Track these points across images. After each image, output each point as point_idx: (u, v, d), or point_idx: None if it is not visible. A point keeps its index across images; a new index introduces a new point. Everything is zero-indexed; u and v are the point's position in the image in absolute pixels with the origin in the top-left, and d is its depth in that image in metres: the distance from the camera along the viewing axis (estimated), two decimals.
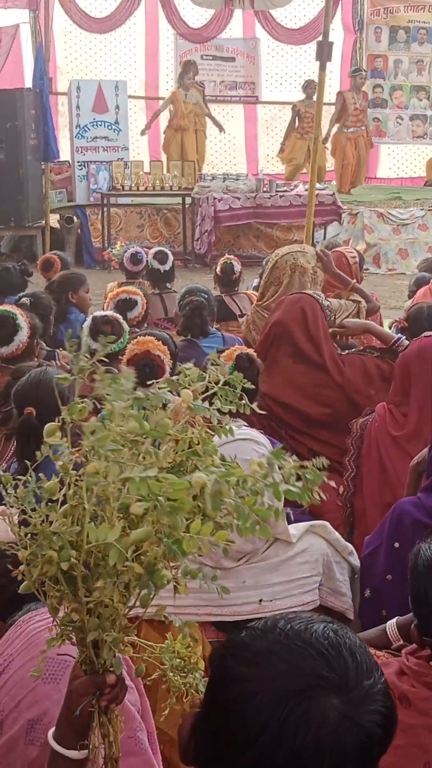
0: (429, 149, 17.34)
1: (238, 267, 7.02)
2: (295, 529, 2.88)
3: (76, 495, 1.40)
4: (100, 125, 13.52)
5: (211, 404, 1.50)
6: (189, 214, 13.06)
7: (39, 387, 3.47)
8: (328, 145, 15.14)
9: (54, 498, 1.42)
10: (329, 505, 4.30)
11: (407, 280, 8.12)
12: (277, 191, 12.79)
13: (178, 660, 1.64)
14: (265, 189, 12.76)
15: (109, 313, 5.11)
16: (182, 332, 5.73)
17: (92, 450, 1.39)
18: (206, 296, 6.01)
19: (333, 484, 1.42)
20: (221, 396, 1.49)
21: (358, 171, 15.25)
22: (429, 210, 13.66)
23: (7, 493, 1.47)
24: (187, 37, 16.34)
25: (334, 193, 13.12)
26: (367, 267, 10.73)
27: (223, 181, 12.97)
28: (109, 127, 13.58)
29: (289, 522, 2.97)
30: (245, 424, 3.29)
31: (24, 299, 5.51)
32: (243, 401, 1.49)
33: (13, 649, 1.90)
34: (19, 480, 1.48)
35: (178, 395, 1.50)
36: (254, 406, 1.54)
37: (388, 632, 2.56)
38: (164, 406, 1.46)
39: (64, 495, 1.42)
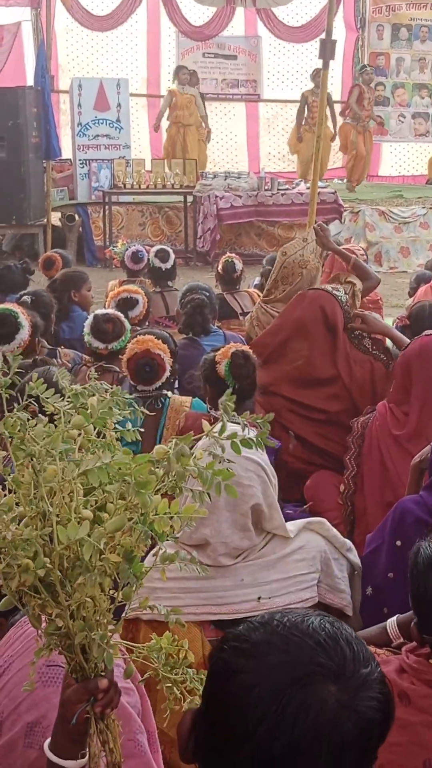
0: (431, 147, 17.33)
1: (239, 265, 7.02)
2: (293, 525, 2.88)
3: (35, 500, 1.40)
4: (102, 123, 13.52)
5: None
6: (190, 212, 13.05)
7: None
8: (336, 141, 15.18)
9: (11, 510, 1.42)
10: (330, 504, 4.31)
11: (409, 278, 8.12)
12: (278, 189, 12.79)
13: (165, 657, 1.64)
14: (266, 187, 12.76)
15: (111, 311, 5.12)
16: (184, 330, 5.73)
17: (44, 454, 1.40)
18: (208, 294, 6.01)
19: (273, 443, 1.44)
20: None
21: (364, 167, 15.25)
22: (430, 208, 13.65)
23: None
24: (189, 35, 16.33)
25: (335, 191, 13.11)
26: (368, 265, 10.71)
27: (225, 179, 12.96)
28: (111, 125, 13.58)
29: (288, 519, 2.98)
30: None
31: (25, 297, 5.51)
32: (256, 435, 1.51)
33: (13, 651, 1.90)
34: None
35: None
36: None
37: (389, 630, 2.57)
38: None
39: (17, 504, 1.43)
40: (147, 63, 16.72)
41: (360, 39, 17.20)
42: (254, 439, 1.48)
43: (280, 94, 17.37)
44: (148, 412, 1.73)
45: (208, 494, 1.44)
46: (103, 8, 15.78)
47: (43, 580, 1.38)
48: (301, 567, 2.76)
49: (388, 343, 4.80)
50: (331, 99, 14.97)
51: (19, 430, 1.42)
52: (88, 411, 1.46)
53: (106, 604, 1.42)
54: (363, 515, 4.11)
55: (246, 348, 4.18)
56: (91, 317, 5.01)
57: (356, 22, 17.10)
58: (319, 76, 14.28)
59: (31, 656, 1.81)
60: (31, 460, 1.41)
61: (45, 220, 11.97)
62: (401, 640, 2.51)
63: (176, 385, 4.90)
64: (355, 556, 3.02)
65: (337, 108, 15.44)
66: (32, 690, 1.55)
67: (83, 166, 13.35)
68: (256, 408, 4.25)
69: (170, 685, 1.61)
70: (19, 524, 1.40)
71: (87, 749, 1.46)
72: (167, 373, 4.25)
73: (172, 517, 1.40)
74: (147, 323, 6.00)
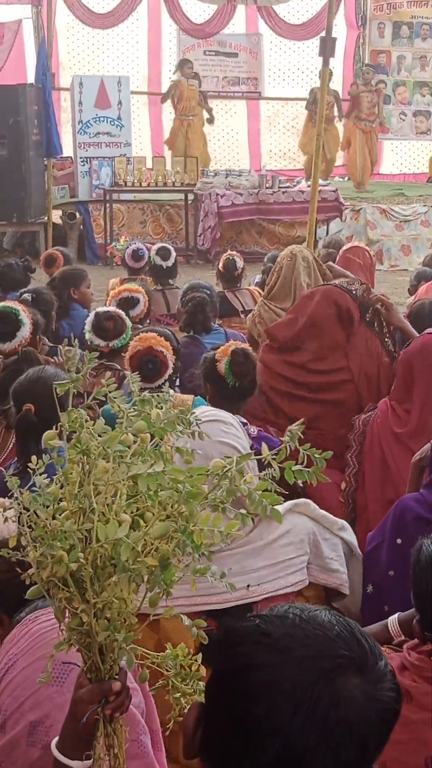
0: None
1: (240, 263, 7.02)
2: (279, 508, 2.85)
3: (79, 495, 1.42)
4: (103, 121, 13.52)
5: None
6: (191, 210, 13.05)
7: (38, 384, 3.48)
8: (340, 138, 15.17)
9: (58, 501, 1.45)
10: (331, 501, 4.30)
11: (410, 276, 8.12)
12: (279, 187, 12.79)
13: (179, 667, 1.66)
14: (267, 185, 12.76)
15: (112, 308, 5.12)
16: (185, 328, 5.74)
17: (100, 451, 1.43)
18: (209, 292, 6.01)
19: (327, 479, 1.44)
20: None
21: (370, 166, 15.22)
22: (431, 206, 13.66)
23: (13, 495, 1.49)
24: (190, 33, 16.33)
25: (336, 189, 13.10)
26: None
27: (226, 177, 12.97)
28: (112, 123, 13.58)
29: None
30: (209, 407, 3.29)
31: (26, 295, 5.52)
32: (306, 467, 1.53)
33: (17, 649, 1.90)
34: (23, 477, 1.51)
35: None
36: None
37: (390, 628, 2.57)
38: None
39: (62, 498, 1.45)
40: (148, 61, 16.71)
41: (361, 37, 17.19)
42: (309, 471, 1.50)
43: (281, 92, 17.37)
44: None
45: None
46: (104, 6, 15.77)
47: (73, 574, 1.40)
48: (288, 551, 2.74)
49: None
50: (338, 96, 15.01)
51: (79, 426, 1.45)
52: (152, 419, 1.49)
53: (132, 606, 1.43)
54: (364, 513, 4.11)
55: (246, 346, 4.19)
56: (92, 315, 5.01)
57: (357, 19, 17.10)
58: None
59: (37, 654, 1.82)
60: (83, 457, 1.43)
61: (46, 218, 11.98)
62: (402, 637, 2.51)
63: (177, 383, 4.91)
64: (350, 535, 2.99)
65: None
66: (47, 682, 1.56)
67: (84, 164, 13.35)
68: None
69: (178, 695, 1.62)
70: (60, 516, 1.42)
71: (92, 751, 1.46)
72: (170, 371, 4.26)
73: (212, 531, 1.43)
74: (148, 321, 6.01)
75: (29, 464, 1.51)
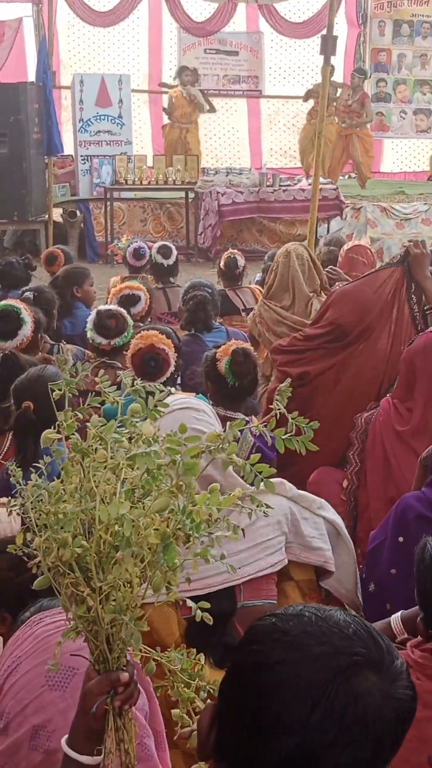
0: None
1: (241, 261, 7.03)
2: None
3: (81, 484, 1.45)
4: (104, 119, 13.51)
5: None
6: (192, 209, 13.05)
7: (38, 382, 3.49)
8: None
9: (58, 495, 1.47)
10: (333, 499, 4.31)
11: None
12: (280, 185, 12.78)
13: (181, 669, 1.67)
14: (268, 183, 12.75)
15: (113, 307, 5.13)
16: (186, 327, 5.74)
17: (97, 439, 1.48)
18: (210, 291, 6.02)
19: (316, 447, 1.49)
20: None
21: (358, 169, 15.12)
22: None
23: (18, 488, 1.51)
24: (191, 31, 16.32)
25: (337, 188, 13.10)
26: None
27: (227, 176, 12.96)
28: (113, 121, 13.57)
29: None
30: (182, 394, 3.29)
31: (27, 294, 5.52)
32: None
33: (21, 651, 1.90)
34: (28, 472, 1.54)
35: None
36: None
37: (393, 626, 2.57)
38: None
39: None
40: (149, 59, 16.71)
41: (362, 35, 17.18)
42: (298, 441, 1.54)
43: (281, 90, 17.36)
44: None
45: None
46: (104, 4, 15.76)
47: (78, 561, 1.42)
48: (267, 532, 2.75)
49: None
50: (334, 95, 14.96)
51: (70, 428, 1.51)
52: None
53: (137, 588, 1.44)
54: (365, 511, 4.11)
55: (247, 346, 4.19)
56: (93, 313, 5.02)
57: (358, 18, 17.08)
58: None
59: (40, 658, 1.82)
60: (81, 456, 1.47)
61: (46, 216, 11.96)
62: (405, 635, 2.51)
63: (179, 381, 4.91)
64: (332, 513, 2.98)
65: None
66: (56, 671, 1.57)
67: (85, 162, 13.35)
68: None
69: (183, 696, 1.63)
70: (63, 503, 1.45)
71: (103, 746, 1.47)
72: (171, 368, 4.26)
73: (210, 509, 1.46)
74: (149, 319, 6.01)
75: (35, 463, 1.52)
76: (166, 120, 15.02)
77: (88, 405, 1.59)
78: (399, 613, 2.59)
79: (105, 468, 1.45)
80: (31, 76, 12.89)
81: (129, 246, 7.40)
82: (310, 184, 9.88)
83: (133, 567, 1.41)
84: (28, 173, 11.79)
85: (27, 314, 4.68)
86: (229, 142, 17.25)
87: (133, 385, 1.60)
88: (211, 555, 1.51)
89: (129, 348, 4.41)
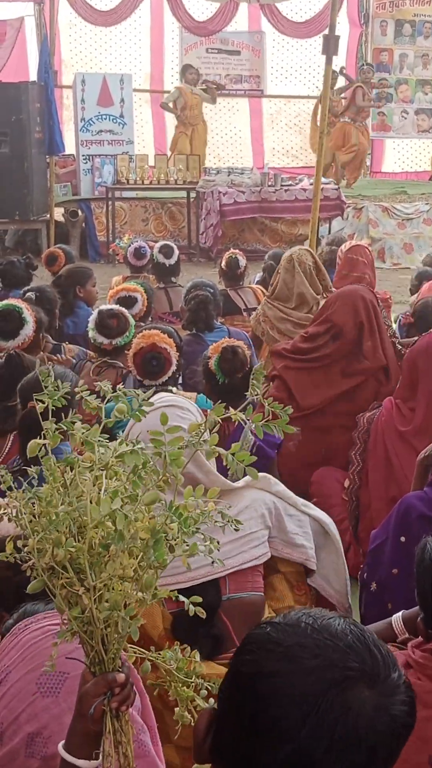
0: None
1: (243, 261, 7.03)
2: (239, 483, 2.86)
3: (69, 489, 1.47)
4: (105, 119, 13.50)
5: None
6: (193, 208, 13.05)
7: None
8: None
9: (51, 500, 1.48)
10: (335, 499, 4.32)
11: (412, 274, 8.12)
12: (282, 185, 12.77)
13: (177, 669, 1.67)
14: (270, 183, 12.74)
15: (115, 306, 5.13)
16: (188, 326, 5.75)
17: (84, 442, 1.51)
18: (212, 291, 6.02)
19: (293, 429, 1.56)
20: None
21: (361, 164, 15.13)
22: None
23: (9, 492, 1.53)
24: (192, 31, 16.31)
25: (338, 188, 13.10)
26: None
27: (228, 175, 12.95)
28: (114, 121, 13.57)
29: None
30: (183, 393, 3.30)
31: (29, 293, 5.53)
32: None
33: (10, 660, 1.89)
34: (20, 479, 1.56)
35: None
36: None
37: (394, 625, 2.58)
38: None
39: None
40: (150, 58, 16.70)
41: (363, 35, 17.18)
42: (275, 426, 1.58)
43: (283, 90, 17.35)
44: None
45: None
46: (106, 3, 15.75)
47: (72, 562, 1.42)
48: (251, 525, 2.77)
49: None
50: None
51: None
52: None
53: (131, 584, 1.44)
54: (367, 510, 4.12)
55: (239, 344, 4.21)
56: (95, 313, 5.02)
57: (360, 17, 17.07)
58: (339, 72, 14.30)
59: (30, 665, 1.82)
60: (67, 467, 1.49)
61: (48, 215, 11.97)
62: (406, 635, 2.52)
63: (180, 381, 4.91)
64: (318, 512, 2.99)
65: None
66: (52, 671, 1.57)
67: (86, 162, 13.34)
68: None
69: (182, 695, 1.64)
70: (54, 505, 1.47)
71: (101, 749, 1.47)
72: (173, 367, 4.27)
73: (196, 502, 1.49)
74: (150, 319, 6.01)
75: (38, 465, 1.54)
76: (169, 120, 14.94)
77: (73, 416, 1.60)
78: (400, 613, 2.60)
79: (92, 469, 1.47)
80: (33, 76, 12.90)
81: (130, 246, 7.40)
82: (311, 184, 9.88)
83: (127, 560, 1.42)
84: (29, 173, 11.79)
85: (29, 314, 4.68)
86: (232, 142, 17.25)
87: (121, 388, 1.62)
88: (200, 551, 1.52)
89: (131, 347, 4.42)
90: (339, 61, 15.01)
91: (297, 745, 1.16)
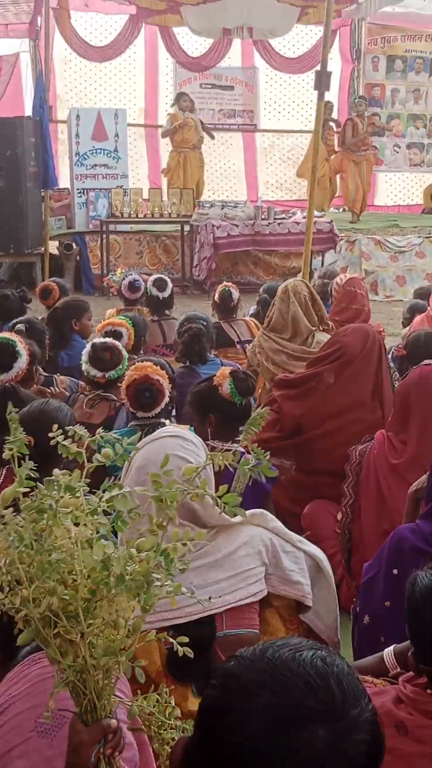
0: (426, 177, 17.46)
1: (236, 294, 7.06)
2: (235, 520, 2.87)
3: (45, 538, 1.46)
4: (100, 153, 13.60)
5: None
6: (187, 241, 13.11)
7: (40, 417, 3.48)
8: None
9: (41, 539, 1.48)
10: (328, 532, 4.31)
11: (404, 307, 8.16)
12: (275, 219, 12.85)
13: (154, 717, 1.68)
14: (263, 216, 12.81)
15: (108, 340, 5.14)
16: (181, 359, 5.77)
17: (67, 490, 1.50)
18: (205, 323, 6.04)
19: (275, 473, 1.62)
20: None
21: (364, 196, 15.16)
22: (426, 237, 13.72)
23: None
24: (187, 66, 16.48)
25: (331, 221, 13.18)
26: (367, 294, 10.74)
27: (222, 209, 13.03)
28: (109, 155, 13.66)
29: None
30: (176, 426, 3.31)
31: (19, 326, 5.53)
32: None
33: (16, 691, 1.88)
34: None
35: None
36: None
37: (386, 660, 2.56)
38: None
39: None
40: (145, 93, 16.85)
41: (356, 70, 17.37)
42: (257, 469, 1.57)
43: (276, 124, 17.52)
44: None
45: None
46: (101, 39, 15.92)
47: (65, 609, 1.42)
48: (248, 562, 2.77)
49: None
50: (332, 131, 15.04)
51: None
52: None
53: (124, 631, 1.44)
54: (360, 543, 4.10)
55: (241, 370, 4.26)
56: (88, 346, 5.04)
57: (352, 53, 17.28)
58: (328, 108, 14.36)
59: (33, 701, 1.81)
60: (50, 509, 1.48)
61: (43, 248, 12.03)
62: (398, 669, 2.50)
63: (174, 413, 4.91)
64: (313, 548, 2.99)
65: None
66: (50, 723, 1.56)
67: (81, 196, 13.42)
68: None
69: (159, 744, 1.64)
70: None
71: None
72: (166, 399, 4.27)
73: (185, 544, 1.49)
74: (141, 351, 6.03)
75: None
76: (164, 146, 15.00)
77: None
78: (392, 647, 2.58)
79: (78, 514, 1.47)
80: (28, 111, 13.02)
81: (124, 279, 7.43)
82: (304, 217, 9.94)
83: (126, 602, 1.42)
84: (24, 206, 11.87)
85: (22, 347, 4.69)
86: (226, 175, 17.37)
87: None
88: (184, 590, 1.52)
89: (124, 380, 4.43)
90: (332, 97, 15.17)
91: None
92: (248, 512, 2.87)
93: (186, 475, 1.56)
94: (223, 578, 2.68)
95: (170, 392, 4.35)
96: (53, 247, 12.75)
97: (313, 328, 5.64)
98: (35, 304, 7.72)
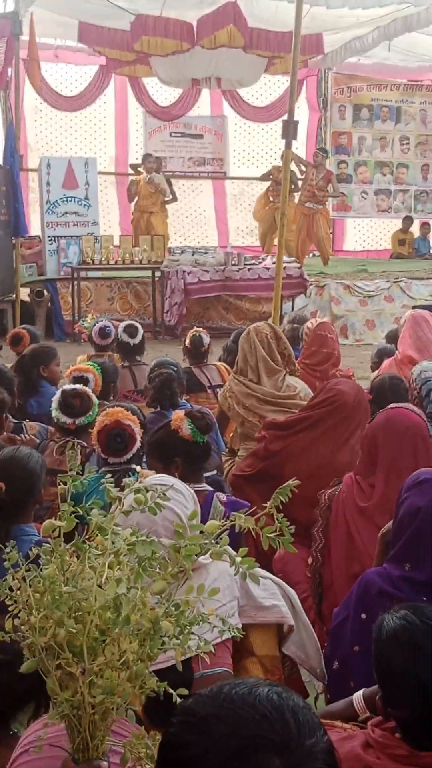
0: (393, 222, 17.72)
1: (207, 339, 7.09)
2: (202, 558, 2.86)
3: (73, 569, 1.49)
4: (70, 201, 13.70)
5: None
6: (159, 287, 13.19)
7: (11, 463, 3.48)
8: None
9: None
10: (299, 576, 4.29)
11: (373, 350, 8.23)
12: (245, 264, 12.98)
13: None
14: (233, 262, 12.94)
15: (78, 386, 5.15)
16: (152, 404, 5.78)
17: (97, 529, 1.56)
18: (175, 369, 6.07)
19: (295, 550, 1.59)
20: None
21: (321, 247, 15.18)
22: (394, 282, 13.89)
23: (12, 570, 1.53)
24: (156, 115, 16.69)
25: (301, 267, 13.31)
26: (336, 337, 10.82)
27: (192, 255, 13.15)
28: (79, 203, 13.76)
29: None
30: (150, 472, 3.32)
31: None
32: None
33: (26, 740, 1.86)
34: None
35: None
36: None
37: (355, 704, 2.56)
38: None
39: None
40: (115, 142, 17.04)
41: (323, 119, 17.67)
42: (278, 541, 1.66)
43: (245, 172, 17.75)
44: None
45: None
46: (71, 89, 16.10)
47: (70, 643, 1.43)
48: (219, 598, 2.74)
49: None
50: (296, 177, 15.16)
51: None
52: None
53: (125, 674, 1.45)
54: (330, 587, 4.09)
55: (205, 410, 4.29)
56: (58, 393, 5.04)
57: (319, 102, 17.60)
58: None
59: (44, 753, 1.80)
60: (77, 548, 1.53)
61: (14, 295, 12.05)
62: (368, 714, 2.50)
63: (144, 459, 4.91)
64: (284, 585, 2.99)
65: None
66: (39, 753, 1.56)
67: (52, 243, 13.49)
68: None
69: None
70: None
71: None
72: (138, 445, 4.27)
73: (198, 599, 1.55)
74: (112, 397, 6.04)
75: (3, 545, 1.54)
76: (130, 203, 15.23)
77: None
78: (361, 692, 2.58)
79: (103, 554, 1.50)
80: None
81: (95, 325, 7.45)
82: (274, 263, 10.05)
83: (128, 644, 1.43)
84: None
85: None
86: (196, 222, 17.54)
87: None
88: (188, 646, 1.55)
89: (94, 426, 4.43)
90: (299, 145, 15.39)
91: None
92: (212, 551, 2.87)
93: (209, 531, 1.64)
94: None
95: (141, 438, 4.35)
96: (24, 294, 12.78)
97: (278, 368, 5.68)
98: (6, 351, 7.71)
